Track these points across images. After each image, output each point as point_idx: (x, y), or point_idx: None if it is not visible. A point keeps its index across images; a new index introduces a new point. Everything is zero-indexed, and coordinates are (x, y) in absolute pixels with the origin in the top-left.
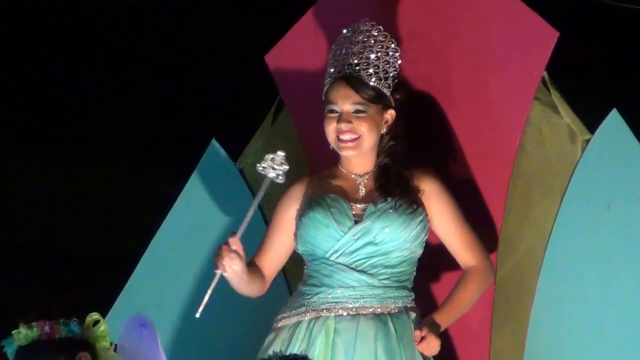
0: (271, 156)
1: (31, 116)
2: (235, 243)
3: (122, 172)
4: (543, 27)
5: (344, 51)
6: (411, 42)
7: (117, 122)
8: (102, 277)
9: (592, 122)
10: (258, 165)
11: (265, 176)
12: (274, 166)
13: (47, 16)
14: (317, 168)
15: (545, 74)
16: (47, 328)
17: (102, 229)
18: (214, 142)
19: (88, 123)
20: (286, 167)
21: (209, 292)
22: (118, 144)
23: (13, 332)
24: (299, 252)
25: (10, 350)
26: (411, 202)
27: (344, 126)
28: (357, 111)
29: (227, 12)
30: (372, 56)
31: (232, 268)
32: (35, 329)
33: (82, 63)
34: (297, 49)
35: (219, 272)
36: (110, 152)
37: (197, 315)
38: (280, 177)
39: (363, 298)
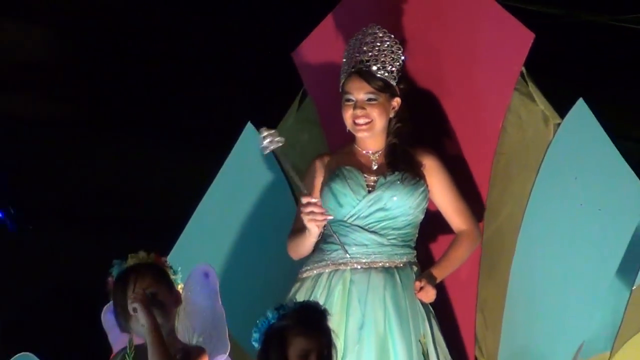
0: (264, 134)
1: (106, 108)
2: (316, 199)
3: (179, 153)
4: (521, 29)
5: (356, 50)
6: (411, 41)
7: (173, 112)
8: (158, 237)
9: (562, 109)
10: (264, 147)
11: (276, 148)
12: (273, 139)
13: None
14: (334, 146)
15: (523, 69)
16: (158, 259)
17: (158, 200)
18: (249, 124)
19: (154, 115)
20: (272, 131)
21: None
22: (177, 130)
23: (130, 255)
24: None
25: (116, 270)
26: (415, 176)
27: (359, 112)
28: (370, 99)
29: (265, 14)
30: (379, 53)
31: (325, 220)
32: (152, 255)
33: (134, 59)
34: (318, 47)
35: (313, 226)
36: (171, 137)
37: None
38: (280, 140)
39: (374, 254)
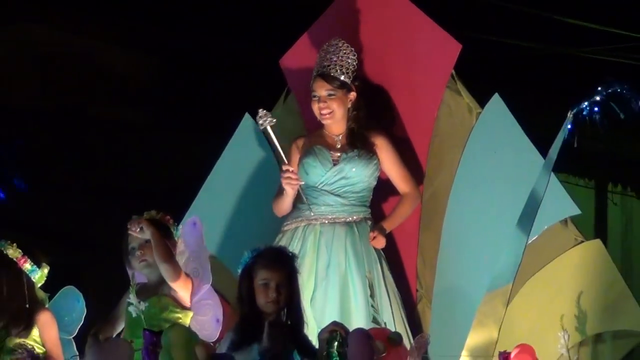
0: (260, 114)
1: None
2: (292, 169)
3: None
4: (451, 41)
5: (322, 57)
6: (366, 50)
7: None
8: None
9: (482, 101)
10: (261, 124)
11: (270, 127)
12: (267, 118)
13: None
14: (310, 130)
15: (452, 71)
16: (164, 217)
17: (174, 178)
18: (247, 115)
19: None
20: (267, 113)
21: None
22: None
23: (145, 212)
24: None
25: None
26: (368, 152)
27: (322, 105)
28: (330, 95)
29: (262, 30)
30: (338, 59)
31: (298, 184)
32: (160, 214)
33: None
34: (298, 57)
35: (289, 188)
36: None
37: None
38: (272, 120)
39: (338, 212)
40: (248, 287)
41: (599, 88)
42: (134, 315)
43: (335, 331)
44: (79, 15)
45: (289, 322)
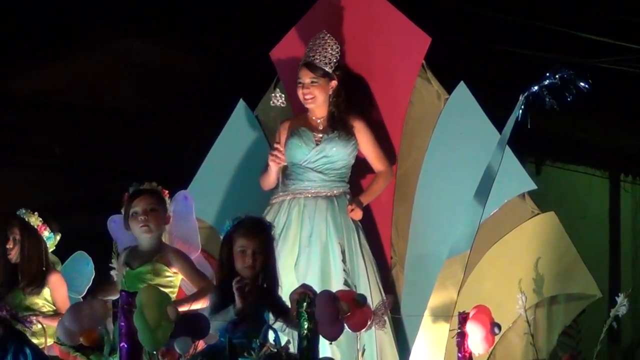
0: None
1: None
2: (280, 148)
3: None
4: (421, 34)
5: (309, 49)
6: (348, 42)
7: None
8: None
9: (449, 88)
10: (274, 100)
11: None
12: (281, 98)
13: None
14: (297, 113)
15: (423, 61)
16: (163, 190)
17: (177, 157)
18: (241, 101)
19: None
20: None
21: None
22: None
23: (146, 182)
24: (286, 161)
25: (132, 188)
26: (347, 134)
27: (305, 91)
28: (312, 82)
29: (255, 23)
30: (322, 50)
31: (281, 162)
32: (160, 186)
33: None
34: (287, 48)
35: (273, 164)
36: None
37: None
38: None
39: (320, 187)
40: (228, 253)
41: (548, 73)
42: (115, 279)
43: (304, 293)
44: (169, 32)
45: (265, 285)
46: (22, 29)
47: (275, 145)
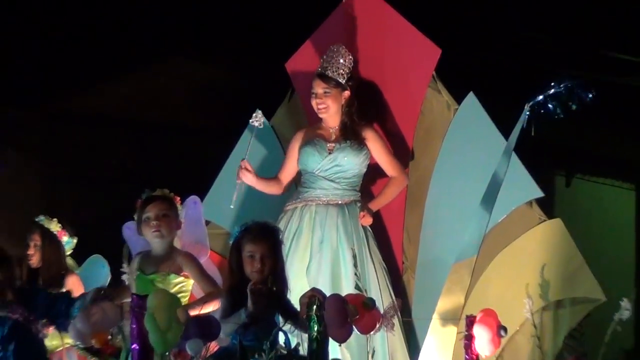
0: (257, 116)
1: None
2: (245, 164)
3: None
4: (432, 46)
5: (323, 60)
6: (361, 54)
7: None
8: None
9: (459, 99)
10: (252, 123)
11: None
12: (256, 120)
13: None
14: (311, 123)
15: (433, 73)
16: (174, 196)
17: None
18: (258, 110)
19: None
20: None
21: (235, 193)
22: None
23: (158, 189)
24: (300, 169)
25: (145, 195)
26: (359, 144)
27: (318, 101)
28: (325, 92)
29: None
30: (336, 62)
31: (246, 178)
32: (171, 193)
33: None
34: (301, 61)
35: (239, 181)
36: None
37: (232, 206)
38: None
39: (331, 195)
40: (237, 258)
41: (552, 83)
42: (126, 282)
43: (314, 296)
44: (210, 53)
45: (274, 289)
46: (89, 51)
47: (241, 162)
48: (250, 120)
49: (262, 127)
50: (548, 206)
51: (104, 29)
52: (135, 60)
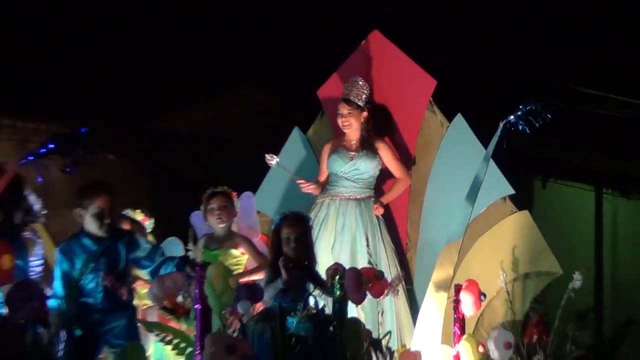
0: (272, 158)
1: None
2: (305, 185)
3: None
4: (428, 77)
5: (345, 88)
6: (374, 82)
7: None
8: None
9: (448, 118)
10: (271, 162)
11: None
12: (273, 161)
13: None
14: (337, 136)
15: (430, 98)
16: (232, 192)
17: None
18: (296, 127)
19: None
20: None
21: (290, 174)
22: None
23: (219, 186)
24: (327, 171)
25: (209, 191)
26: (373, 153)
27: (343, 119)
28: (349, 113)
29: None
30: (356, 89)
31: (309, 189)
32: (230, 190)
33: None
34: (330, 88)
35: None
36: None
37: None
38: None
39: (351, 192)
40: (276, 240)
41: (520, 106)
42: (192, 257)
43: (336, 269)
44: (272, 84)
45: (306, 263)
46: (177, 82)
47: (299, 183)
48: (267, 160)
49: (276, 166)
50: (528, 204)
51: (187, 65)
52: (211, 90)
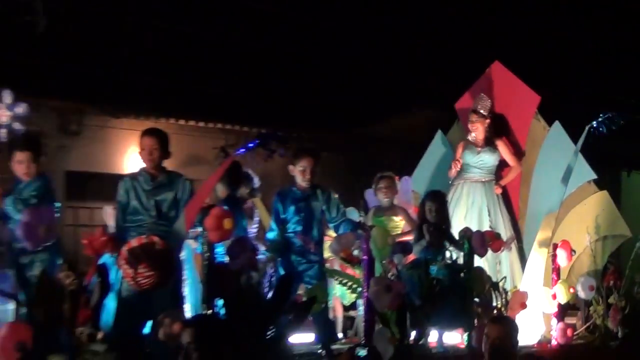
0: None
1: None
2: (458, 161)
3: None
4: (533, 94)
5: (475, 102)
6: (495, 99)
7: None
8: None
9: (549, 123)
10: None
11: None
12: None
13: None
14: (468, 136)
15: (536, 110)
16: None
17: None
18: (439, 131)
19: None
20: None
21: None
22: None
23: (387, 172)
24: (461, 162)
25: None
26: (494, 149)
27: (473, 125)
28: (477, 120)
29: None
30: (482, 103)
31: (458, 167)
32: (394, 175)
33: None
34: (464, 102)
35: (454, 169)
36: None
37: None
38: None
39: (478, 176)
40: (423, 211)
41: (601, 114)
42: (363, 221)
43: (467, 231)
44: (437, 106)
45: (443, 227)
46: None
47: (455, 160)
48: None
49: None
50: (617, 189)
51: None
52: (400, 107)
